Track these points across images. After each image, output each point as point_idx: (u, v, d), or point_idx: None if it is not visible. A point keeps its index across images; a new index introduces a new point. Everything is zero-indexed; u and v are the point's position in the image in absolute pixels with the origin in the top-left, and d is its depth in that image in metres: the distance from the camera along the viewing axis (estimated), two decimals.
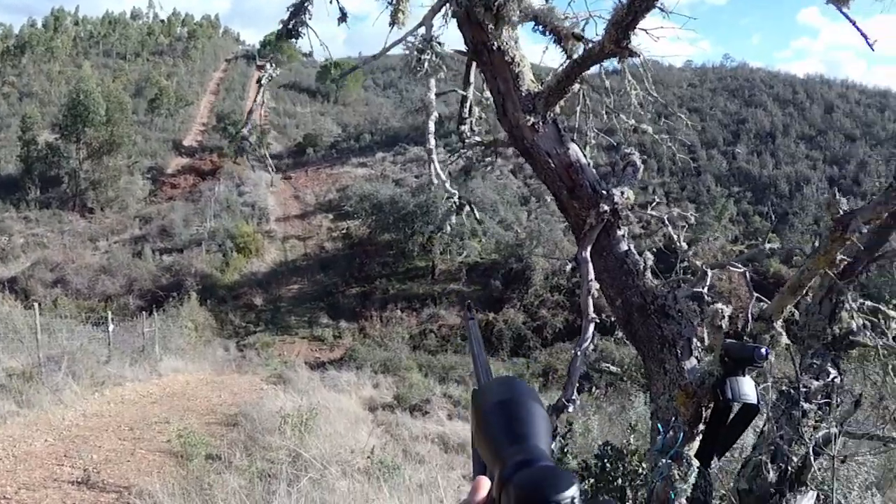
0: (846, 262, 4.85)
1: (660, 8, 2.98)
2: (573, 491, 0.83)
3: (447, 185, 3.89)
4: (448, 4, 3.41)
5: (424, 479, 9.25)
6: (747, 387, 1.94)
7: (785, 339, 2.97)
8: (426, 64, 3.26)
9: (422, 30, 3.30)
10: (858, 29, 2.60)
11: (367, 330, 35.19)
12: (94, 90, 52.32)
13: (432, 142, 3.73)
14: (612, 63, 3.85)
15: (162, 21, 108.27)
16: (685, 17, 3.39)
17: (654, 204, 4.50)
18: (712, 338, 3.06)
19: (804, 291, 3.00)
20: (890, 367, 4.86)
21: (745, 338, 3.12)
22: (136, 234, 46.38)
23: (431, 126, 3.78)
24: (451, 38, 3.72)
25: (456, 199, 3.94)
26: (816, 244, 2.98)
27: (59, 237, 45.65)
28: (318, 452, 9.98)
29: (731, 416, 2.06)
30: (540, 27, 3.40)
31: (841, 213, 2.80)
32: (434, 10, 3.38)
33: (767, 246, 4.21)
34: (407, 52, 3.24)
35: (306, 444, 10.45)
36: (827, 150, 53.13)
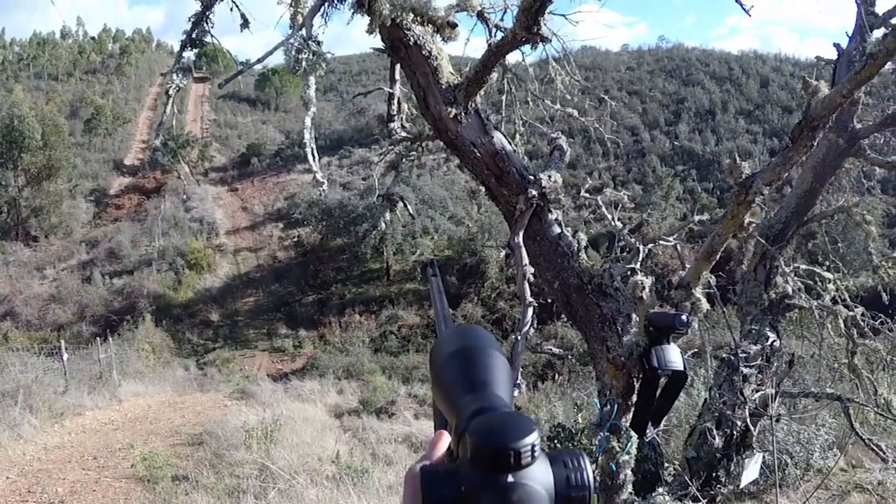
0: (778, 229, 5.01)
1: None
2: (533, 437, 0.77)
3: (318, 174, 3.90)
4: (326, 4, 3.45)
5: (393, 480, 9.30)
6: (673, 354, 2.00)
7: (705, 305, 3.06)
8: (304, 63, 3.28)
9: (303, 30, 3.32)
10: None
11: (327, 337, 35.03)
12: (27, 114, 51.02)
13: (307, 136, 3.75)
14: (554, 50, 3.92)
15: (92, 38, 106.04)
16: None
17: (587, 186, 4.59)
18: (636, 309, 3.14)
19: (717, 256, 3.09)
20: (828, 326, 5.03)
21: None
22: (83, 259, 45.41)
23: (308, 121, 3.80)
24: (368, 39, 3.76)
25: (325, 186, 3.96)
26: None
27: (4, 268, 44.43)
28: (285, 463, 9.96)
29: (662, 384, 2.12)
30: (418, 18, 3.44)
31: (743, 176, 2.89)
32: (313, 11, 3.41)
33: (696, 218, 4.31)
34: (285, 52, 3.28)
35: (273, 457, 10.42)
36: (766, 123, 54.37)
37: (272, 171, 58.53)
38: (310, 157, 3.58)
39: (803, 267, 5.04)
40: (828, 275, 5.23)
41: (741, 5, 2.65)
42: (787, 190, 5.50)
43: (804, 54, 73.68)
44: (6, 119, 51.52)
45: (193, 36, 3.27)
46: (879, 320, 5.29)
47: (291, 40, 3.13)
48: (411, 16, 3.34)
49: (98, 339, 24.43)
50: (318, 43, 3.29)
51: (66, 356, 18.76)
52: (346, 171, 54.68)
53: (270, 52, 3.48)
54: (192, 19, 3.29)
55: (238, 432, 11.88)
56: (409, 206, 4.70)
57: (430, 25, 3.48)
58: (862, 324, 5.02)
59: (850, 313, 4.89)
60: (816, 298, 4.89)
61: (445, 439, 0.94)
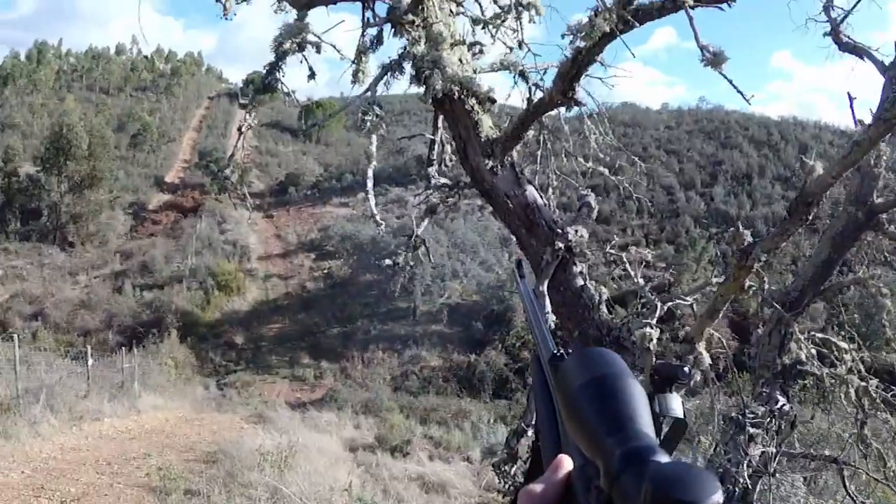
0: (794, 297, 5.14)
1: (600, 63, 3.28)
2: (719, 496, 0.70)
3: (377, 216, 4.18)
4: (389, 74, 3.74)
5: None
6: (674, 402, 2.16)
7: (707, 360, 3.21)
8: (368, 123, 3.58)
9: (367, 93, 3.61)
10: (735, 86, 2.91)
11: (349, 370, 35.09)
12: (76, 124, 52.55)
13: (370, 185, 4.05)
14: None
15: (146, 57, 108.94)
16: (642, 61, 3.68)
17: (614, 243, 4.77)
18: (643, 359, 3.30)
19: (719, 315, 3.26)
20: (841, 394, 5.12)
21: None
22: (116, 270, 46.23)
23: (370, 172, 4.10)
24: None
25: (384, 227, 4.24)
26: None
27: (39, 270, 45.41)
28: (297, 489, 10.03)
29: (663, 431, 2.26)
30: (464, 91, 3.72)
31: (745, 244, 3.08)
32: (377, 80, 3.73)
33: (714, 280, 4.48)
34: (353, 112, 3.58)
35: (286, 482, 10.48)
36: None
37: (308, 202, 59.30)
38: (371, 204, 3.86)
39: (819, 335, 5.15)
40: (843, 345, 5.32)
41: (741, 94, 2.86)
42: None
43: (844, 123, 73.23)
44: (56, 126, 53.11)
45: (267, 82, 3.57)
46: (892, 393, 5.35)
47: (357, 103, 3.42)
48: (458, 88, 3.62)
49: (123, 348, 24.79)
50: (380, 106, 3.57)
51: (90, 362, 19.01)
52: (382, 209, 54.82)
53: (340, 111, 3.77)
54: (265, 68, 3.61)
55: (252, 454, 11.94)
56: (429, 251, 4.93)
57: (473, 98, 3.74)
58: (874, 396, 5.09)
59: (863, 384, 4.98)
60: (830, 367, 4.99)
61: (566, 464, 0.88)
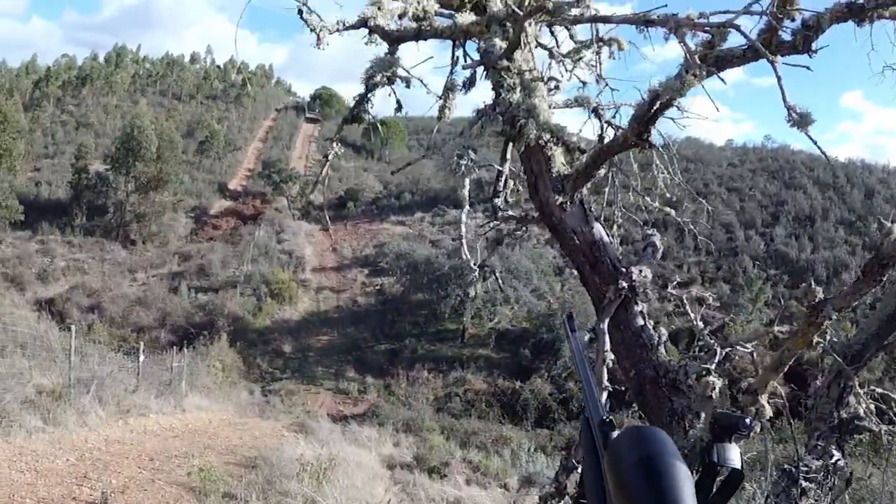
0: (856, 349, 5.03)
1: (677, 107, 3.30)
2: None
3: (471, 262, 4.23)
4: (484, 118, 3.80)
5: None
6: (733, 453, 2.14)
7: (769, 412, 3.18)
8: (463, 167, 3.65)
9: (460, 137, 3.69)
10: (820, 149, 2.90)
11: (393, 388, 35.17)
12: (147, 127, 54.28)
13: (463, 229, 4.12)
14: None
15: (218, 67, 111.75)
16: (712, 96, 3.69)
17: (675, 283, 4.74)
18: (704, 407, 3.27)
19: (784, 369, 3.22)
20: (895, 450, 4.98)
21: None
22: (174, 270, 47.30)
23: (464, 217, 4.17)
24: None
25: (477, 271, 4.29)
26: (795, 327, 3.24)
27: (100, 265, 46.73)
28: (333, 502, 10.07)
29: (720, 480, 2.25)
30: (553, 139, 3.76)
31: (816, 300, 3.05)
32: (472, 123, 3.80)
33: (776, 329, 4.41)
34: (445, 159, 3.65)
35: (323, 493, 10.52)
36: (866, 235, 52.43)
37: (366, 218, 59.88)
38: (464, 249, 3.94)
39: (879, 390, 5.03)
40: None
41: (826, 157, 2.85)
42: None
43: None
44: (127, 128, 54.89)
45: (355, 113, 3.68)
46: None
47: (452, 146, 3.50)
48: (549, 136, 3.69)
49: (174, 347, 25.23)
50: (475, 151, 3.65)
51: (142, 358, 19.35)
52: (438, 230, 55.37)
53: (430, 150, 3.86)
54: (355, 99, 3.72)
55: (292, 463, 12.00)
56: (499, 280, 4.96)
57: (562, 146, 3.80)
58: None
59: None
60: (888, 423, 4.87)
61: None
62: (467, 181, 3.98)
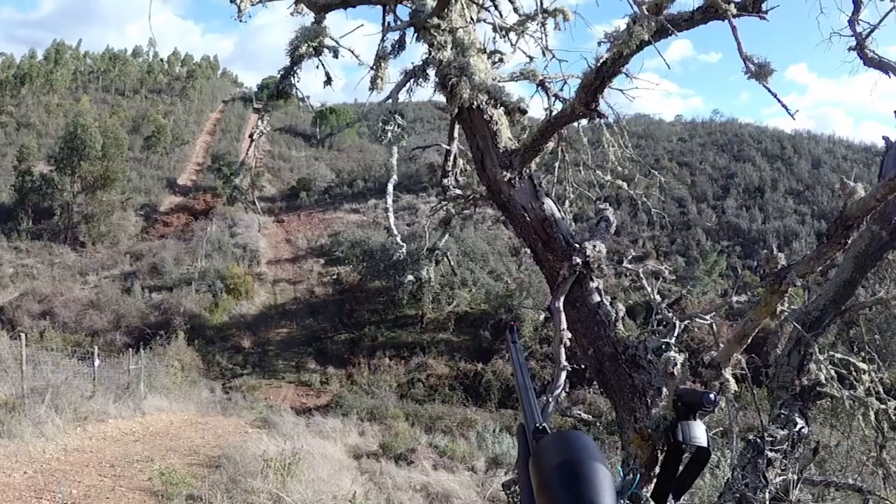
0: (815, 316, 5.03)
1: (625, 74, 3.19)
2: None
3: (398, 238, 4.10)
4: (412, 81, 3.65)
5: None
6: (699, 430, 2.06)
7: (733, 386, 3.12)
8: (389, 133, 3.50)
9: (388, 102, 3.53)
10: (779, 101, 2.82)
11: (355, 377, 35.06)
12: (91, 124, 52.99)
13: (389, 201, 3.98)
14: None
15: (162, 60, 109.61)
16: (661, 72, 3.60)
17: (630, 257, 4.67)
18: (661, 381, 3.21)
19: (748, 340, 3.16)
20: (858, 417, 5.00)
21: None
22: (126, 271, 46.41)
23: (390, 187, 4.04)
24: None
25: (404, 250, 4.15)
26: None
27: (49, 269, 45.65)
28: (300, 497, 9.95)
29: (685, 459, 2.17)
30: (491, 101, 3.62)
31: (778, 267, 2.99)
32: (399, 87, 3.64)
33: (734, 299, 4.37)
34: (371, 121, 3.51)
35: (289, 489, 10.40)
36: (815, 204, 53.80)
37: (319, 207, 59.43)
38: (391, 223, 3.80)
39: (838, 356, 5.05)
40: (863, 365, 5.21)
41: (785, 108, 2.77)
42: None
43: (859, 138, 72.94)
44: (70, 126, 53.53)
45: (281, 87, 3.49)
46: None
47: (377, 112, 3.35)
48: (485, 97, 3.54)
49: (130, 349, 24.77)
50: (402, 116, 3.49)
51: (97, 362, 18.97)
52: (392, 216, 55.14)
53: (358, 120, 3.70)
54: (280, 73, 3.53)
55: (256, 460, 11.87)
56: (452, 263, 4.84)
57: (501, 108, 3.66)
58: (894, 418, 4.98)
59: (882, 406, 4.87)
60: (849, 388, 4.88)
61: None
62: (395, 149, 3.82)
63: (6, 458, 10.92)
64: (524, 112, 3.67)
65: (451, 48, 3.59)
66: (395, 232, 3.98)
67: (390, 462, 16.99)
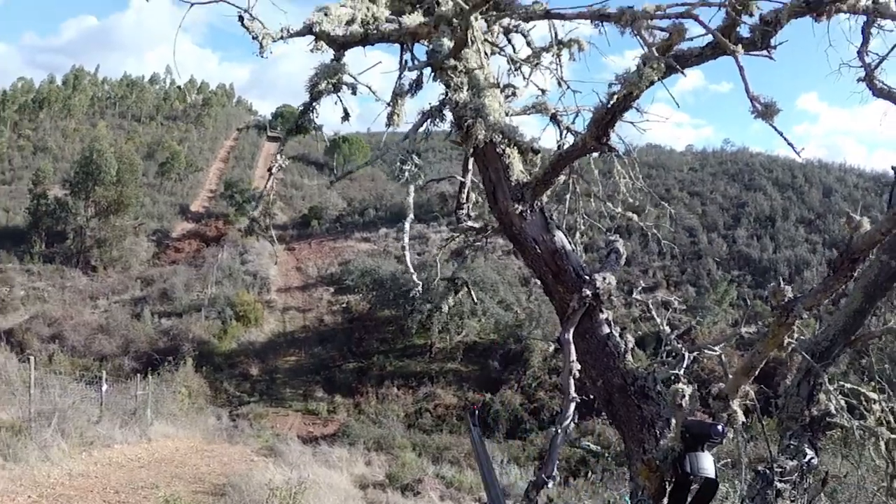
0: (824, 346, 5.02)
1: (636, 108, 3.24)
2: None
3: (413, 275, 4.14)
4: (430, 121, 3.72)
5: None
6: (706, 462, 2.09)
7: (741, 417, 3.13)
8: (407, 173, 3.55)
9: (405, 141, 3.59)
10: (785, 139, 2.86)
11: (363, 406, 34.91)
12: (106, 150, 53.58)
13: (406, 240, 4.02)
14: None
15: (178, 87, 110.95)
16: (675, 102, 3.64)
17: (640, 288, 4.69)
18: (671, 412, 3.21)
19: (756, 372, 3.18)
20: (868, 447, 4.97)
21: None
22: (136, 296, 46.55)
23: (407, 226, 4.08)
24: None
25: (420, 288, 4.19)
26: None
27: (60, 293, 45.85)
28: None
29: (693, 490, 2.20)
30: (505, 140, 3.68)
31: (785, 300, 3.01)
32: (416, 127, 3.71)
33: (743, 330, 4.38)
34: (390, 163, 3.57)
35: None
36: (826, 233, 53.57)
37: (330, 236, 59.62)
38: (407, 260, 3.83)
39: (848, 386, 5.04)
40: (873, 395, 5.20)
41: (792, 147, 2.81)
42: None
43: (870, 166, 72.84)
44: (86, 151, 54.07)
45: (300, 123, 3.56)
46: None
47: (395, 151, 3.41)
48: (500, 137, 3.59)
49: (138, 375, 24.77)
50: (419, 155, 3.55)
51: (105, 387, 18.97)
52: (409, 253, 55.20)
53: (376, 159, 3.77)
54: (300, 108, 3.60)
55: (262, 489, 11.82)
56: (472, 292, 4.88)
57: (515, 148, 3.72)
58: None
59: (893, 437, 4.85)
60: (859, 419, 4.87)
61: None
62: (412, 188, 3.88)
63: (11, 482, 10.90)
64: (537, 153, 3.72)
65: (467, 89, 3.65)
66: (412, 269, 4.01)
67: (396, 492, 16.90)
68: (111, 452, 15.24)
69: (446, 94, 3.73)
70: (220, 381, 36.54)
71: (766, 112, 2.83)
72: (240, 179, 67.98)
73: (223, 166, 79.17)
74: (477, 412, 1.67)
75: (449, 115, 3.80)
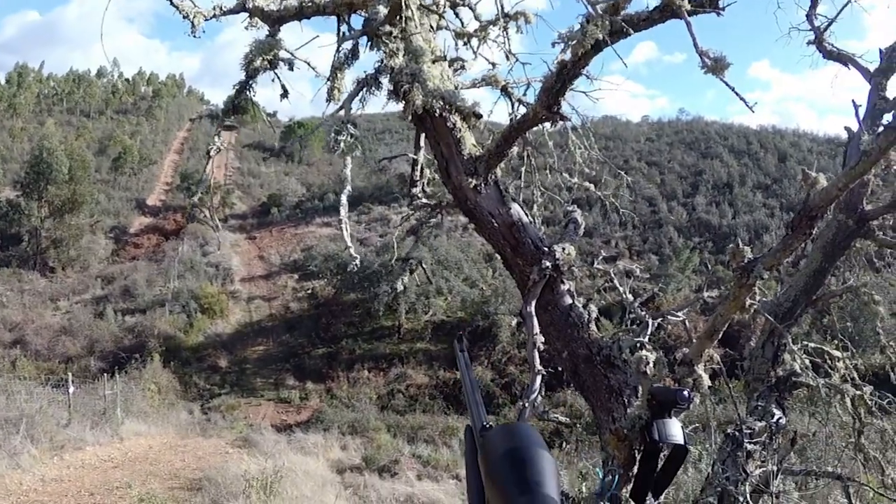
0: (787, 307, 5.08)
1: (586, 76, 3.20)
2: None
3: (351, 249, 4.09)
4: (365, 89, 3.64)
5: None
6: (674, 428, 2.06)
7: (707, 381, 3.13)
8: (342, 144, 3.48)
9: (341, 112, 3.51)
10: (737, 94, 2.84)
11: (334, 391, 34.79)
12: (56, 148, 52.16)
13: (343, 213, 3.95)
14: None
15: (127, 80, 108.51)
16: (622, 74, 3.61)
17: (601, 258, 4.68)
18: (637, 380, 3.22)
19: (719, 335, 3.18)
20: (835, 404, 5.06)
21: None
22: (97, 295, 45.68)
23: (344, 199, 4.01)
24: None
25: (357, 261, 4.13)
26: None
27: (19, 296, 44.80)
28: None
29: (663, 458, 2.18)
30: (447, 106, 3.62)
31: (745, 261, 3.01)
32: (351, 96, 3.63)
33: (706, 295, 4.40)
34: (326, 132, 3.48)
35: None
36: (783, 197, 54.55)
37: (291, 223, 59.05)
38: (345, 233, 3.76)
39: (812, 345, 5.11)
40: (837, 353, 5.29)
41: (744, 101, 2.79)
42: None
43: (823, 130, 74.28)
44: (36, 150, 52.66)
45: (237, 102, 3.46)
46: (888, 400, 5.31)
47: (330, 122, 3.32)
48: (440, 103, 3.52)
49: (105, 374, 24.42)
50: (356, 125, 3.47)
51: (72, 389, 18.72)
52: (364, 228, 55.02)
53: (314, 130, 3.68)
54: (235, 87, 3.49)
55: (238, 480, 11.78)
56: (427, 272, 4.82)
57: (457, 114, 3.64)
58: (870, 403, 5.04)
59: (858, 392, 4.93)
60: (824, 377, 4.94)
61: None
62: (348, 159, 3.79)
63: None
64: (479, 116, 3.67)
65: (404, 55, 3.57)
66: (350, 244, 3.95)
67: (374, 475, 16.95)
68: (83, 455, 15.05)
69: (382, 62, 3.66)
70: (190, 376, 36.12)
71: (715, 66, 2.81)
72: (195, 171, 66.76)
73: (178, 158, 77.81)
74: (465, 337, 1.66)
75: (386, 83, 3.73)
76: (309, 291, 45.48)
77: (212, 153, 3.60)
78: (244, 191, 67.36)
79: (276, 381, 36.48)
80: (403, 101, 3.50)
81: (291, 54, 3.42)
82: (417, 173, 4.59)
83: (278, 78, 3.47)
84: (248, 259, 52.80)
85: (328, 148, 3.43)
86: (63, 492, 11.62)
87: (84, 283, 48.10)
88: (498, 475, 1.03)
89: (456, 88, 3.74)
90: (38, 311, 41.91)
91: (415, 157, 4.58)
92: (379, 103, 3.78)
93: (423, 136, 4.31)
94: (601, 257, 4.59)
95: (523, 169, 4.62)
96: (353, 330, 40.60)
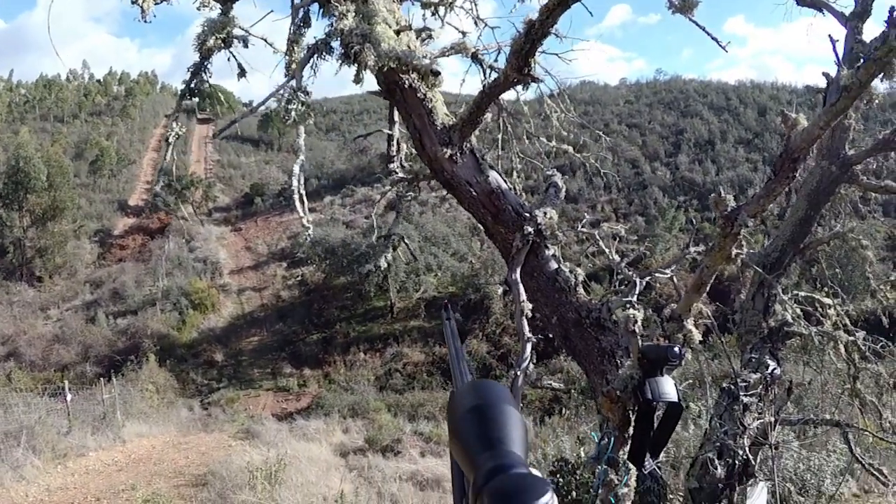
0: (774, 258, 5.06)
1: (556, 34, 3.14)
2: (547, 498, 0.81)
3: (305, 220, 4.02)
4: (316, 55, 3.55)
5: None
6: (667, 386, 2.02)
7: (697, 336, 3.10)
8: (293, 113, 3.40)
9: (293, 81, 3.43)
10: (708, 33, 2.79)
11: (332, 375, 34.87)
12: (33, 156, 51.57)
13: (295, 183, 3.88)
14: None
15: (98, 81, 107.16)
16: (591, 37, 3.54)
17: (585, 221, 4.64)
18: (627, 340, 3.19)
19: (706, 288, 3.14)
20: (829, 352, 5.06)
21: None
22: (87, 300, 45.41)
23: (297, 169, 3.93)
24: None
25: (310, 232, 4.06)
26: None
27: (9, 308, 44.49)
28: (290, 503, 9.90)
29: (658, 416, 2.15)
30: (403, 67, 3.54)
31: (728, 209, 2.96)
32: (302, 63, 3.54)
33: (693, 250, 4.37)
34: (276, 102, 3.41)
35: (278, 497, 10.34)
36: (765, 151, 54.65)
37: (275, 211, 58.74)
38: (297, 204, 3.69)
39: (802, 294, 5.09)
40: (827, 300, 5.28)
41: (716, 41, 2.73)
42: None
43: (801, 82, 74.31)
44: (12, 160, 52.00)
45: (192, 86, 3.37)
46: (881, 344, 5.32)
47: (282, 91, 3.25)
48: (395, 64, 3.44)
49: (102, 379, 24.36)
50: (307, 93, 3.39)
51: (69, 397, 18.69)
52: (349, 210, 54.87)
53: (263, 103, 3.60)
54: (190, 69, 3.40)
55: (242, 472, 11.79)
56: (409, 247, 4.77)
57: (414, 73, 3.57)
58: (863, 348, 5.05)
59: (851, 338, 4.93)
60: (816, 325, 4.93)
61: None
62: (301, 128, 3.72)
63: None
64: (437, 74, 3.58)
65: (354, 16, 3.48)
66: (303, 214, 3.89)
67: (377, 455, 17.01)
68: (87, 461, 15.03)
69: (332, 25, 3.57)
70: (187, 372, 36.06)
71: (683, 5, 2.74)
72: (175, 166, 66.23)
73: (156, 156, 77.00)
74: (450, 305, 1.64)
75: (337, 47, 3.64)
76: (299, 278, 45.40)
77: (170, 139, 3.53)
78: (226, 183, 66.91)
79: (273, 371, 36.49)
80: (355, 63, 3.41)
81: (246, 31, 3.33)
82: (394, 148, 4.52)
83: (234, 56, 3.38)
84: (236, 251, 52.57)
85: (280, 119, 3.36)
86: (69, 499, 11.62)
87: (73, 289, 47.80)
88: (461, 431, 1.01)
89: (425, 57, 3.66)
90: (29, 322, 41.67)
91: (390, 132, 4.51)
92: (345, 78, 3.69)
93: (396, 109, 4.24)
94: (585, 220, 4.55)
95: (500, 136, 4.56)
96: (346, 313, 40.61)
